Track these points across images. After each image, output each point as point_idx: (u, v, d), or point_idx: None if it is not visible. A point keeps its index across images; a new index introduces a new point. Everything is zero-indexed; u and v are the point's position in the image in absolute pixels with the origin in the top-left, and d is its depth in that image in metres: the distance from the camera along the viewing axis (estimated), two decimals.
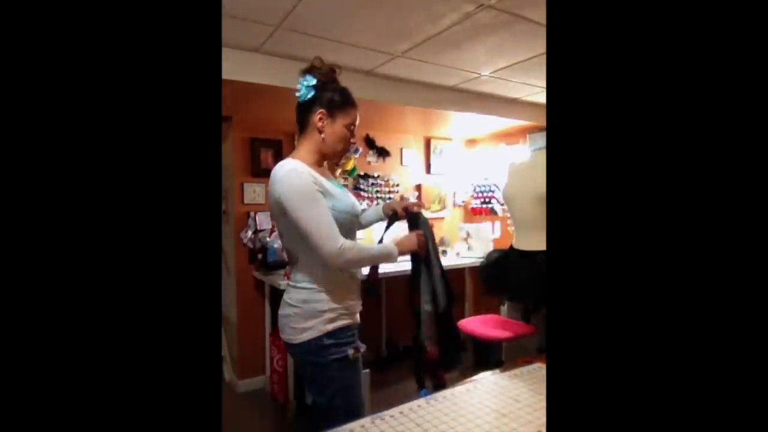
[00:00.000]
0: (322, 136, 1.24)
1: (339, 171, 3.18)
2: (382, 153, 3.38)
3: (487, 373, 1.21)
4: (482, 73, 2.37)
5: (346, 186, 3.23)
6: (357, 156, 3.22)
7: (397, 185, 3.49)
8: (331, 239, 1.12)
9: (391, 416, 0.97)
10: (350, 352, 1.22)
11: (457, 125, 3.28)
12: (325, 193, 1.16)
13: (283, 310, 1.25)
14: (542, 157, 1.68)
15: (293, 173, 1.13)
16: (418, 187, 3.64)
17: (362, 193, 3.31)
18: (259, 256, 2.78)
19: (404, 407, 1.01)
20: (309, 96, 1.24)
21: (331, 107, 1.23)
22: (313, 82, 1.24)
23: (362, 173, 3.31)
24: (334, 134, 1.24)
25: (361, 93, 2.43)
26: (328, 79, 1.26)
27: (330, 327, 1.19)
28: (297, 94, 1.26)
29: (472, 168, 3.85)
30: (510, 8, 1.62)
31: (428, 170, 3.70)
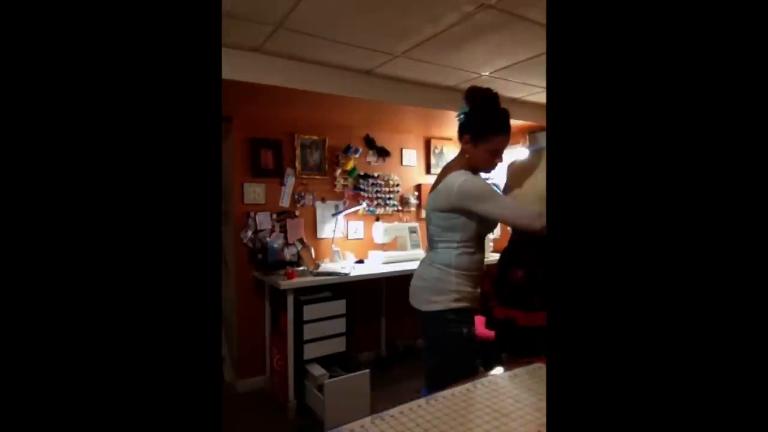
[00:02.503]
0: (467, 156, 1.46)
1: (339, 171, 3.18)
2: (382, 153, 3.38)
3: (487, 373, 1.21)
4: (482, 73, 2.37)
5: (346, 186, 3.24)
6: (357, 156, 3.22)
7: (398, 185, 3.49)
8: (532, 214, 1.34)
9: (391, 416, 0.97)
10: (465, 330, 1.44)
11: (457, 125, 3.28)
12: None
13: (416, 282, 1.54)
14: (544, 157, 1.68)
15: (472, 177, 1.39)
16: (418, 187, 3.64)
17: (362, 193, 3.31)
18: (259, 256, 2.78)
19: (404, 407, 1.01)
20: (461, 121, 1.46)
21: (475, 135, 1.43)
22: (466, 109, 1.44)
23: (362, 173, 3.31)
24: (477, 157, 1.44)
25: (361, 93, 2.45)
26: (480, 105, 1.43)
27: (454, 305, 1.43)
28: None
29: None
30: (510, 8, 1.62)
31: (428, 170, 3.70)
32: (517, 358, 1.33)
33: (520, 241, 1.53)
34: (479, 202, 1.36)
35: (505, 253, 1.59)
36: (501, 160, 1.47)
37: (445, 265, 1.45)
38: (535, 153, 1.66)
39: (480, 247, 1.50)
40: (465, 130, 1.45)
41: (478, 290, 1.52)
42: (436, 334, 1.47)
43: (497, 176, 3.57)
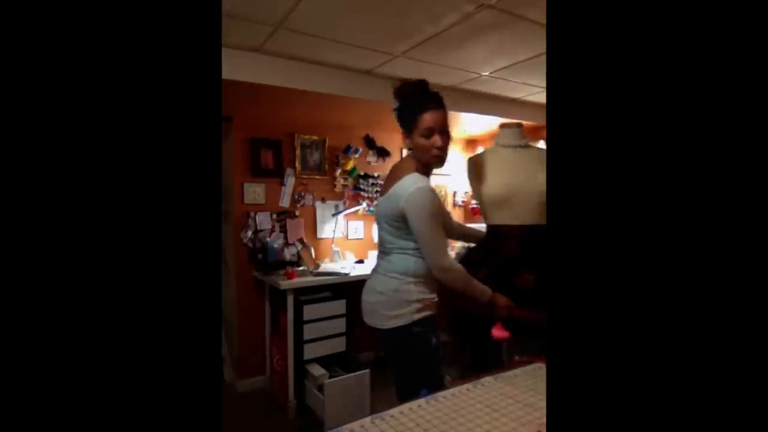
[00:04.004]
0: (411, 152, 1.38)
1: (339, 171, 3.18)
2: (382, 153, 3.38)
3: (486, 374, 1.21)
4: (482, 73, 2.37)
5: (346, 186, 3.24)
6: (357, 156, 3.22)
7: None
8: (444, 256, 1.31)
9: (391, 416, 0.97)
10: (433, 339, 1.34)
11: (457, 125, 3.28)
12: (443, 212, 1.39)
13: (370, 297, 1.40)
14: (534, 154, 1.57)
15: (427, 192, 1.27)
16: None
17: (362, 193, 3.31)
18: (259, 256, 2.78)
19: (404, 407, 1.01)
20: (396, 119, 1.37)
21: (406, 124, 1.34)
22: (396, 105, 1.36)
23: (362, 173, 3.31)
24: (417, 147, 1.34)
25: (361, 93, 2.45)
26: (404, 95, 1.35)
27: (417, 316, 1.32)
28: None
29: None
30: (510, 8, 1.62)
31: None
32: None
33: (529, 242, 1.45)
34: (416, 218, 1.28)
35: (496, 259, 1.50)
36: (442, 144, 1.33)
37: (403, 274, 1.34)
38: (522, 149, 1.57)
39: None
40: (400, 126, 1.37)
41: (436, 296, 1.43)
42: (403, 350, 1.36)
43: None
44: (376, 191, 3.38)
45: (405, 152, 3.57)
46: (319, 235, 3.11)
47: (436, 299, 1.41)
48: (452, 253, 1.77)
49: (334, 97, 2.32)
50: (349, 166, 3.19)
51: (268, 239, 2.84)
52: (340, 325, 2.59)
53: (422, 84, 1.34)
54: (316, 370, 2.46)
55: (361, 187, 3.31)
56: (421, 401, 1.04)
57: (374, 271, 1.44)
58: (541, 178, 1.47)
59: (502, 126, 1.58)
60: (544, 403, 0.99)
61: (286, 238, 2.92)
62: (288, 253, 2.90)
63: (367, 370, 2.46)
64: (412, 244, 1.33)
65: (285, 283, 2.42)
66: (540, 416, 0.95)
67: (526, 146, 1.56)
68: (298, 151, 2.99)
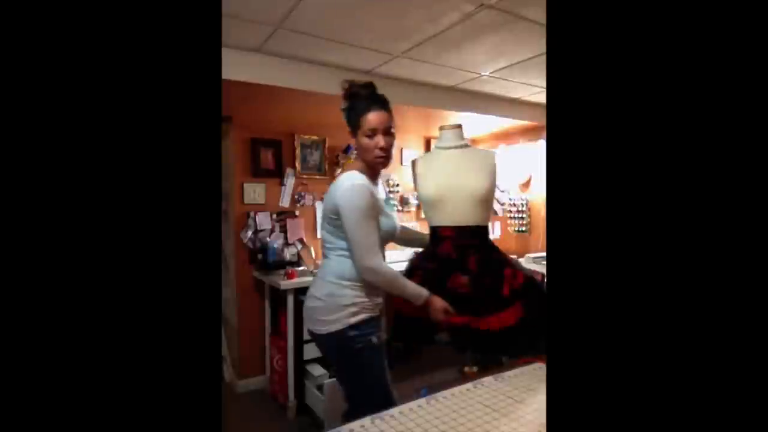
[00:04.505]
0: (356, 152, 1.37)
1: (339, 171, 3.18)
2: None
3: (487, 374, 1.21)
4: (482, 73, 2.37)
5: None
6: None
7: (397, 185, 3.49)
8: (372, 256, 1.25)
9: (391, 416, 0.97)
10: (374, 339, 1.30)
11: None
12: (379, 210, 1.31)
13: (309, 302, 1.37)
14: (472, 155, 1.54)
15: (358, 187, 1.25)
16: None
17: None
18: (259, 256, 2.78)
19: (404, 407, 1.01)
20: (345, 119, 1.37)
21: (352, 123, 1.34)
22: (344, 106, 1.36)
23: None
24: (362, 148, 1.33)
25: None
26: (351, 96, 1.35)
27: (353, 320, 1.29)
28: None
29: None
30: (510, 8, 1.62)
31: None
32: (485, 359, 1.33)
33: (462, 246, 1.43)
34: (346, 215, 1.25)
35: (434, 259, 1.46)
36: (384, 144, 1.31)
37: (339, 277, 1.31)
38: (460, 151, 1.54)
39: (381, 255, 1.37)
40: (348, 126, 1.36)
41: (380, 298, 1.38)
42: (342, 356, 1.33)
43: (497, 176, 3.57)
44: None
45: (404, 152, 3.57)
46: (319, 235, 3.11)
47: (379, 301, 1.37)
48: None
49: (334, 97, 2.31)
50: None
51: (268, 239, 2.83)
52: None
53: (369, 86, 1.36)
54: (316, 370, 2.46)
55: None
56: (421, 401, 1.04)
57: (316, 275, 1.43)
58: (476, 179, 1.46)
59: (442, 128, 1.57)
60: (544, 403, 0.99)
61: (286, 238, 2.92)
62: (288, 253, 2.90)
63: None
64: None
65: (285, 283, 2.42)
66: (540, 416, 0.95)
67: (465, 147, 1.55)
68: (298, 151, 2.99)
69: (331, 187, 1.32)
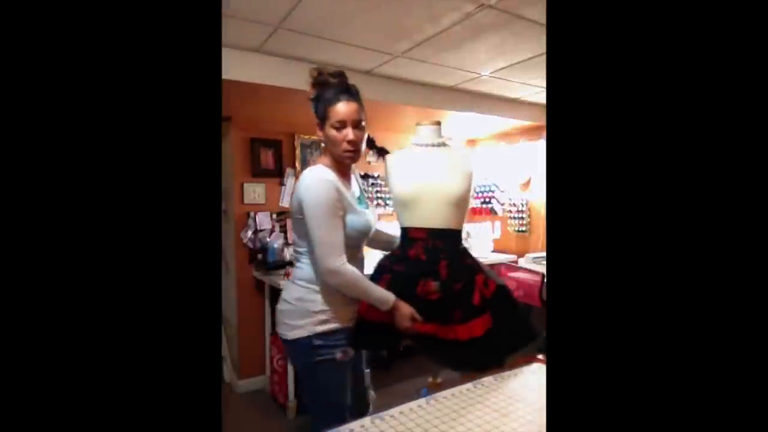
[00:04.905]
0: (323, 146, 1.29)
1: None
2: (382, 153, 3.37)
3: (486, 374, 1.21)
4: (482, 73, 2.37)
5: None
6: None
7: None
8: (333, 256, 1.16)
9: (391, 416, 0.97)
10: (338, 355, 1.21)
11: (457, 125, 3.28)
12: (346, 207, 1.21)
13: (279, 305, 1.30)
14: (449, 154, 1.45)
15: (321, 182, 1.17)
16: None
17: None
18: (259, 256, 2.78)
19: (404, 407, 1.01)
20: (313, 110, 1.27)
21: (319, 115, 1.26)
22: (312, 95, 1.27)
23: (362, 173, 3.31)
24: (329, 140, 1.24)
25: (362, 93, 2.44)
26: (317, 87, 1.27)
27: (320, 329, 1.21)
28: None
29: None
30: (510, 8, 1.62)
31: None
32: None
33: (433, 248, 1.33)
34: (307, 211, 1.17)
35: (404, 262, 1.36)
36: (353, 138, 1.22)
37: (309, 281, 1.24)
38: (441, 150, 1.46)
39: (355, 257, 1.28)
40: (315, 116, 1.27)
41: (354, 305, 1.29)
42: (303, 365, 1.26)
43: (497, 177, 3.57)
44: (377, 191, 3.38)
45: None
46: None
47: (353, 310, 1.29)
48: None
49: None
50: None
51: (268, 239, 2.83)
52: None
53: (340, 74, 1.27)
54: None
55: (361, 187, 3.30)
56: (421, 401, 1.04)
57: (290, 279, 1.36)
58: (452, 180, 1.37)
59: (419, 124, 1.48)
60: (544, 403, 0.99)
61: (286, 238, 2.92)
62: (288, 253, 2.89)
63: (368, 371, 2.46)
64: None
65: (285, 283, 2.42)
66: (540, 416, 0.95)
67: (443, 145, 1.46)
68: (298, 151, 2.99)
69: (296, 184, 1.24)
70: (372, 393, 1.41)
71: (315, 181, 1.18)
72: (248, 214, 2.81)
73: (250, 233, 2.80)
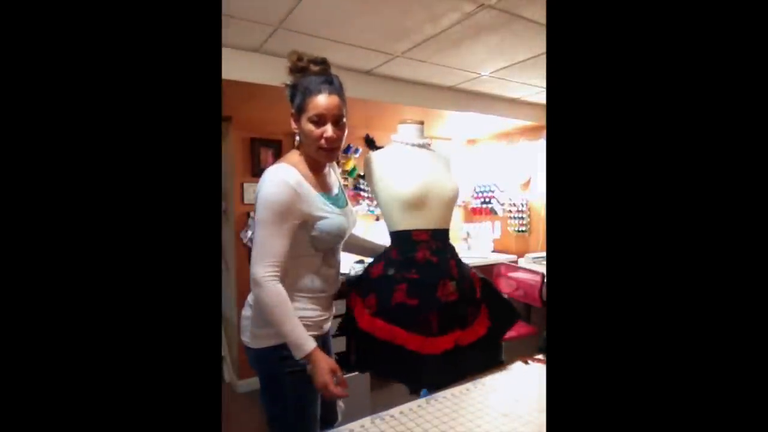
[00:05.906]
0: (297, 139, 1.16)
1: (339, 171, 3.17)
2: None
3: (486, 373, 1.21)
4: (482, 73, 2.37)
5: (345, 186, 3.22)
6: (357, 156, 3.21)
7: None
8: (262, 264, 1.05)
9: (391, 416, 0.97)
10: (308, 366, 1.05)
11: (457, 125, 3.28)
12: (310, 211, 1.09)
13: (244, 311, 1.18)
14: (437, 155, 1.41)
15: (276, 184, 1.06)
16: None
17: (362, 193, 3.30)
18: None
19: (404, 407, 1.01)
20: (288, 98, 1.14)
21: (295, 105, 1.13)
22: (288, 81, 1.14)
23: (362, 173, 3.31)
24: (304, 134, 1.12)
25: (361, 93, 2.44)
26: (296, 73, 1.14)
27: None
28: None
29: (471, 168, 3.86)
30: (510, 8, 1.62)
31: None
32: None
33: (437, 250, 1.28)
34: (256, 213, 1.08)
35: (387, 262, 1.29)
36: (332, 135, 1.10)
37: None
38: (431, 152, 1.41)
39: (328, 261, 1.18)
40: (291, 108, 1.14)
41: (327, 313, 1.20)
42: (267, 377, 1.14)
43: (497, 177, 3.56)
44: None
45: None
46: None
47: (327, 317, 1.19)
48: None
49: None
50: (349, 166, 3.19)
51: None
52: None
53: (322, 62, 1.14)
54: None
55: (361, 187, 3.30)
56: (421, 401, 1.04)
57: None
58: (449, 180, 1.35)
59: (403, 122, 1.42)
60: (544, 403, 0.99)
61: None
62: None
63: (367, 371, 2.46)
64: (292, 250, 1.09)
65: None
66: (540, 416, 0.95)
67: (428, 145, 1.41)
68: None
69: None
70: (341, 404, 1.30)
71: (271, 182, 1.07)
72: (248, 214, 2.81)
73: (250, 233, 2.80)
